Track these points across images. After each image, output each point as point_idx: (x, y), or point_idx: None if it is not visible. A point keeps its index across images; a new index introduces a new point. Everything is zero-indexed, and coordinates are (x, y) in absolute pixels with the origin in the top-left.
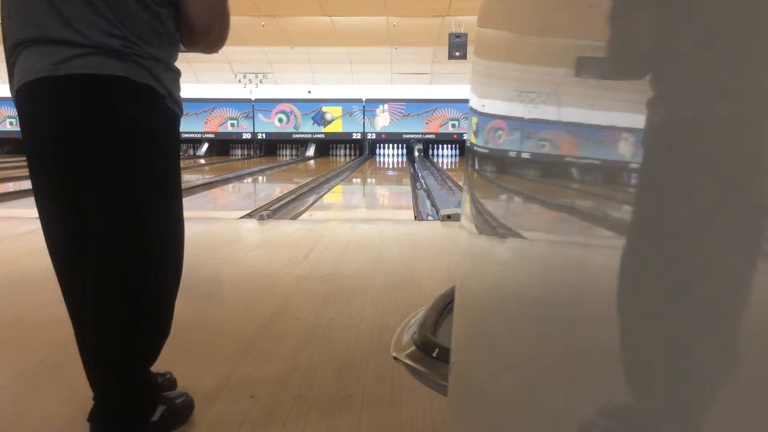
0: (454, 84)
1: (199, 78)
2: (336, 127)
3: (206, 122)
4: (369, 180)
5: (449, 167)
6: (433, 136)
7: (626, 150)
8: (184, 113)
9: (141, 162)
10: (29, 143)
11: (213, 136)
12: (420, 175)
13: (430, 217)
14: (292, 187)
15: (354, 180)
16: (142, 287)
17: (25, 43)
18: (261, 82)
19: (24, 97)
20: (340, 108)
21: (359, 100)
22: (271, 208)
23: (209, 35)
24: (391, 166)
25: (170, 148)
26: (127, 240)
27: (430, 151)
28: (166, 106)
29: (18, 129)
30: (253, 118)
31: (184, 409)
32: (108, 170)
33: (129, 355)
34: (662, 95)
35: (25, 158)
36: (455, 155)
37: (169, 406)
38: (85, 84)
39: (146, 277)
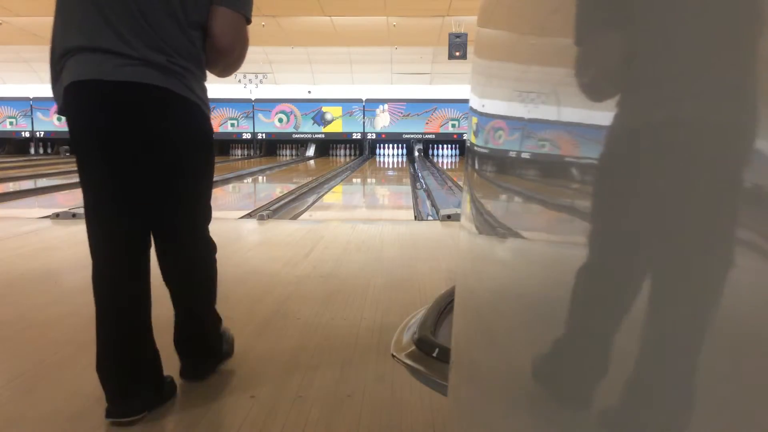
0: (454, 84)
1: None
2: (336, 127)
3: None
4: (369, 180)
5: (449, 167)
6: (433, 136)
7: (625, 150)
8: None
9: (182, 158)
10: (75, 136)
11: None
12: (420, 175)
13: (430, 217)
14: (292, 187)
15: (354, 180)
16: (208, 256)
17: (77, 50)
18: (261, 82)
19: (72, 94)
20: (340, 108)
21: (359, 100)
22: (271, 208)
23: (231, 55)
24: (391, 166)
25: (206, 147)
26: (187, 223)
27: (430, 151)
28: (201, 111)
29: (18, 129)
30: (253, 118)
31: (232, 340)
32: (153, 165)
33: (211, 303)
34: (659, 97)
35: (25, 158)
36: (455, 155)
37: (224, 339)
38: (131, 90)
39: (208, 248)
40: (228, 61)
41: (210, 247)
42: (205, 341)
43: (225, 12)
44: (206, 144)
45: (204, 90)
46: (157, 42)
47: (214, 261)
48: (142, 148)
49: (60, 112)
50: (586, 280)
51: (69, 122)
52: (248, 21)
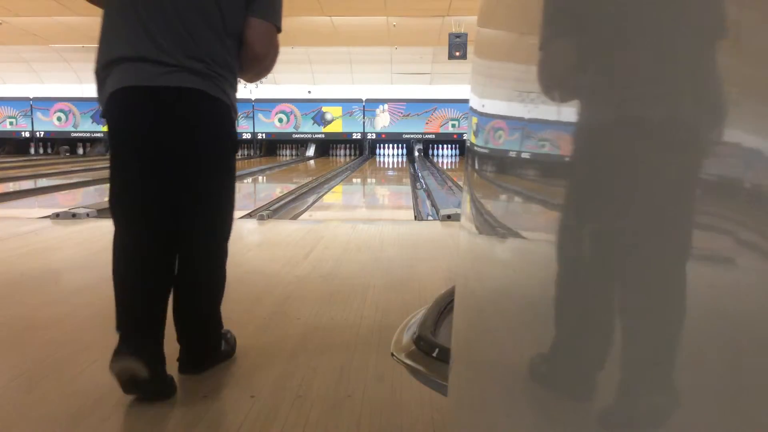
0: (454, 84)
1: None
2: (336, 127)
3: None
4: (369, 180)
5: (449, 167)
6: (433, 136)
7: (625, 149)
8: None
9: (215, 152)
10: (114, 135)
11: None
12: (420, 175)
13: (430, 217)
14: (292, 187)
15: (354, 180)
16: (224, 251)
17: (121, 60)
18: (261, 82)
19: (117, 99)
20: (340, 108)
21: (359, 100)
22: (271, 208)
23: (264, 61)
24: (391, 166)
25: (233, 145)
26: (212, 210)
27: (430, 151)
28: (231, 114)
29: (18, 129)
30: (253, 118)
31: (233, 342)
32: (189, 157)
33: (218, 305)
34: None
35: (25, 158)
36: (455, 155)
37: (225, 339)
38: (169, 92)
39: (225, 246)
40: (261, 67)
41: (225, 252)
42: (207, 340)
43: (259, 23)
44: (232, 146)
45: (235, 96)
46: (197, 51)
47: (224, 265)
48: (175, 146)
49: (101, 115)
50: (585, 280)
51: (109, 123)
52: (279, 30)
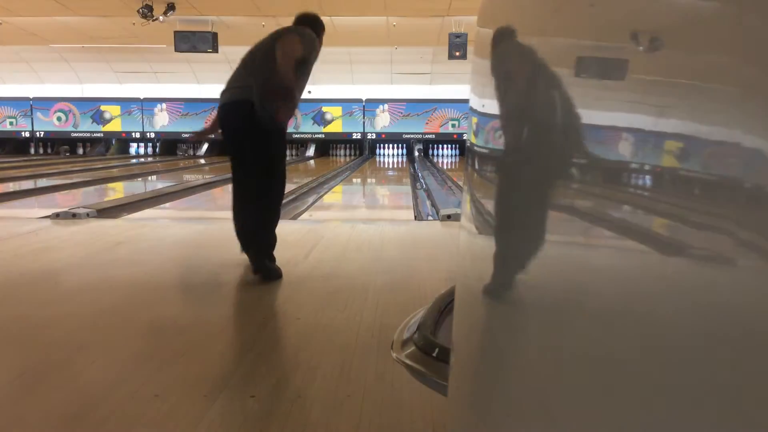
0: (454, 84)
1: (199, 78)
2: (336, 127)
3: (206, 122)
4: (369, 180)
5: (449, 167)
6: (433, 136)
7: (626, 150)
8: (184, 113)
9: (278, 141)
10: (222, 125)
11: (213, 136)
12: (420, 175)
13: (430, 217)
14: (292, 187)
15: (354, 180)
16: (279, 189)
17: (227, 86)
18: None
19: (222, 110)
20: (340, 108)
21: (359, 100)
22: None
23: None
24: (391, 166)
25: (284, 137)
26: (278, 172)
27: (430, 151)
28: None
29: (18, 129)
30: None
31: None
32: (264, 144)
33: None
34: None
35: (25, 158)
36: (455, 155)
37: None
38: (240, 104)
39: (282, 185)
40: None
41: (282, 187)
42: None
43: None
44: (283, 132)
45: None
46: (256, 78)
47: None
48: (253, 133)
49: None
50: (585, 279)
51: (219, 119)
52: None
